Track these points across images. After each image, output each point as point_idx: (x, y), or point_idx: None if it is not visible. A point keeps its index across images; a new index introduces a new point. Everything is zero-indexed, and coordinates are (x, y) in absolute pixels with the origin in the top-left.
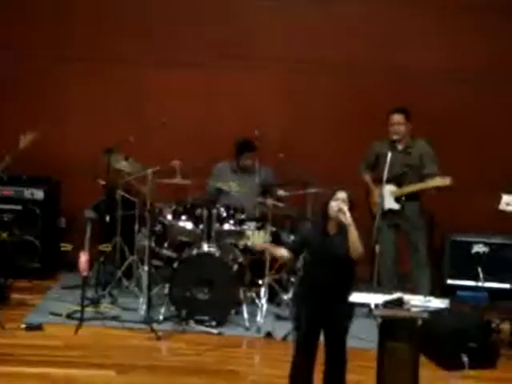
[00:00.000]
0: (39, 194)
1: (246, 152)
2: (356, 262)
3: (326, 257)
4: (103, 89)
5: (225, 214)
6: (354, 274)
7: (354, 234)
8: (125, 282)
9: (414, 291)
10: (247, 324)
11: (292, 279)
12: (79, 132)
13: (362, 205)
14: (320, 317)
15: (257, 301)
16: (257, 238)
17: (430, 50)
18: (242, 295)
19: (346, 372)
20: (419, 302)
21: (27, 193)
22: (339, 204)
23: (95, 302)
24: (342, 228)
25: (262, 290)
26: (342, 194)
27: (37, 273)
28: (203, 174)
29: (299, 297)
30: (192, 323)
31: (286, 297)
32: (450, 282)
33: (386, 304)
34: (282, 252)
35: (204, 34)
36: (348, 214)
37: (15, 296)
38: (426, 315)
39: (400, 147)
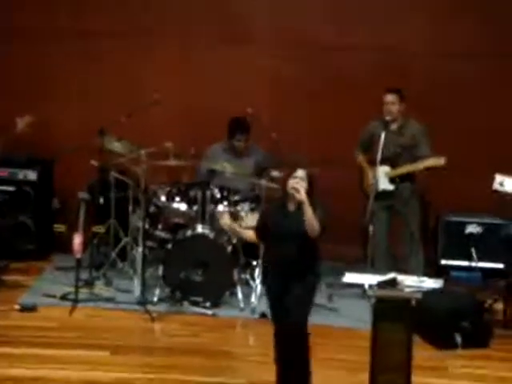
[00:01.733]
0: (33, 175)
1: (239, 133)
2: (316, 240)
3: (284, 233)
4: (95, 69)
5: (219, 196)
6: (314, 252)
7: (308, 212)
8: (119, 264)
9: (407, 272)
10: (242, 305)
11: None
12: (72, 113)
13: (354, 186)
14: (281, 292)
15: (251, 282)
16: (250, 219)
17: (417, 30)
18: (236, 276)
19: (307, 353)
20: (413, 283)
21: (21, 174)
22: (295, 182)
23: (89, 284)
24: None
25: (257, 271)
26: (300, 173)
27: (31, 254)
28: (196, 156)
29: (263, 273)
30: (186, 304)
31: None
32: (443, 262)
33: (380, 284)
34: (249, 233)
35: (195, 13)
36: (302, 192)
37: (9, 277)
38: (419, 295)
39: (393, 127)
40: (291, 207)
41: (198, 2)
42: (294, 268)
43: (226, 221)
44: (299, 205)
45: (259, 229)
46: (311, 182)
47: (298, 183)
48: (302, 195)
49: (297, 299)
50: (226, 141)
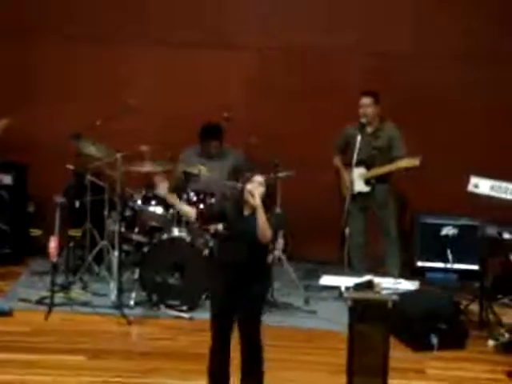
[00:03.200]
0: (7, 179)
1: (210, 139)
2: (267, 247)
3: (237, 236)
4: (70, 72)
5: (195, 199)
6: (264, 259)
7: (261, 218)
8: (95, 268)
9: (384, 273)
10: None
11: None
12: (47, 116)
13: (331, 188)
14: (230, 296)
15: None
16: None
17: (402, 33)
18: None
19: (260, 360)
20: (389, 285)
21: None
22: (253, 186)
23: (65, 288)
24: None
25: None
26: (258, 178)
27: (6, 258)
28: (172, 159)
29: (212, 274)
30: (163, 308)
31: None
32: (419, 264)
33: (357, 287)
34: (186, 209)
35: (173, 15)
36: (257, 197)
37: None
38: (396, 297)
39: (369, 130)
40: (246, 211)
41: (176, 7)
42: (243, 273)
43: (163, 190)
44: (254, 210)
45: (213, 215)
46: (269, 188)
47: (255, 188)
48: (257, 200)
49: (244, 306)
50: (199, 145)
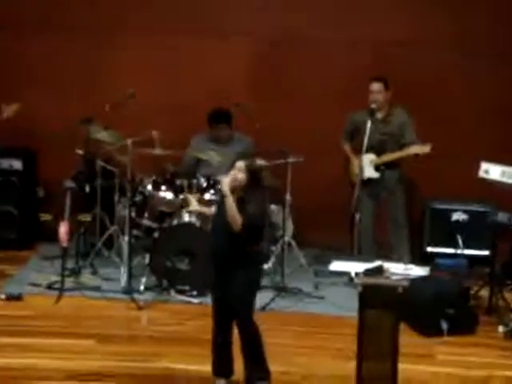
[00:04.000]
0: (17, 164)
1: (219, 123)
2: (247, 232)
3: (217, 223)
4: (77, 59)
5: (205, 184)
6: (244, 246)
7: (228, 206)
8: (105, 253)
9: (393, 259)
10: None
11: (273, 248)
12: (56, 101)
13: (340, 174)
14: (218, 284)
15: None
16: None
17: (403, 20)
18: None
19: (256, 344)
20: (399, 270)
21: (5, 163)
22: (231, 174)
23: (75, 273)
24: (243, 198)
25: None
26: (238, 164)
27: (16, 243)
28: (181, 145)
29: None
30: (173, 293)
31: (266, 266)
32: (429, 249)
33: (367, 272)
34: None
35: (176, 4)
36: (225, 185)
37: None
38: (406, 283)
39: (379, 116)
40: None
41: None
42: (225, 260)
43: (195, 206)
44: (238, 198)
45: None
46: (255, 174)
47: (229, 176)
48: (224, 188)
49: (231, 293)
50: (209, 131)
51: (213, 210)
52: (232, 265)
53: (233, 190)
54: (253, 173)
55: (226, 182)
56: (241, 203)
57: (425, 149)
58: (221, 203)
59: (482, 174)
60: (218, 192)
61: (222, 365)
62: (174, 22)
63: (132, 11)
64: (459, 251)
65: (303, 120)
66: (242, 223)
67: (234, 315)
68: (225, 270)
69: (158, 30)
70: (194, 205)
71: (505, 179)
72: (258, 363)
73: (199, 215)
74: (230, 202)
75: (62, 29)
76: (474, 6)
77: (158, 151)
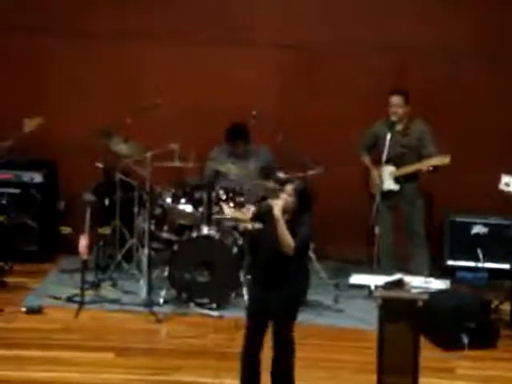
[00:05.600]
0: (38, 178)
1: (236, 140)
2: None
3: (268, 241)
4: (97, 70)
5: (224, 197)
6: (294, 266)
7: (279, 230)
8: (125, 265)
9: (412, 272)
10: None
11: None
12: (76, 114)
13: (360, 185)
14: (260, 298)
15: None
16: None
17: (425, 28)
18: (241, 278)
19: (289, 362)
20: (419, 283)
21: (26, 176)
22: (282, 197)
23: (95, 286)
24: (291, 219)
25: None
26: (288, 187)
27: (36, 256)
28: (202, 157)
29: (251, 277)
30: (192, 306)
31: None
32: (449, 262)
33: (387, 285)
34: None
35: (201, 9)
36: (277, 209)
37: (14, 279)
38: (426, 296)
39: (399, 128)
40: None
41: (200, 1)
42: (272, 279)
43: (230, 212)
44: (287, 221)
45: (256, 218)
46: (304, 196)
47: (281, 199)
48: (277, 212)
49: (275, 306)
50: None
51: (249, 213)
52: (279, 280)
53: (283, 213)
54: (301, 195)
55: (278, 206)
56: (290, 225)
57: (444, 160)
58: (268, 223)
59: (502, 186)
60: (265, 211)
61: (249, 381)
62: (199, 31)
63: (156, 21)
64: (480, 264)
65: (325, 128)
66: (295, 246)
67: (274, 327)
68: (271, 285)
69: (181, 39)
70: (228, 212)
71: None
72: (288, 376)
73: (231, 222)
74: (282, 226)
75: (82, 40)
76: (499, 12)
77: (177, 164)
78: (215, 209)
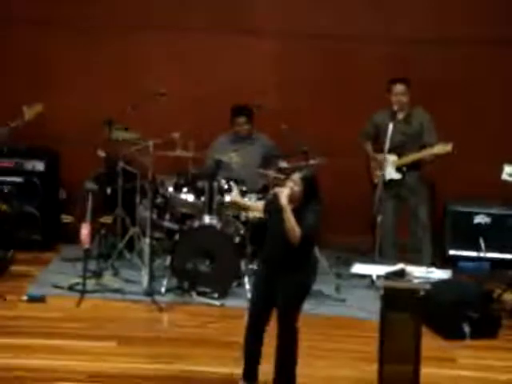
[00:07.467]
0: (40, 166)
1: (240, 116)
2: (307, 241)
3: (275, 231)
4: (98, 59)
5: (226, 186)
6: (301, 254)
7: (287, 219)
8: (127, 254)
9: (415, 261)
10: (249, 295)
11: None
12: (77, 102)
13: (362, 175)
14: (268, 289)
15: None
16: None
17: (424, 18)
18: (243, 267)
19: (292, 350)
20: (421, 273)
21: (28, 164)
22: (287, 185)
23: (97, 274)
24: (298, 208)
25: None
26: (294, 176)
27: (37, 245)
28: (203, 146)
29: (257, 264)
30: (194, 295)
31: None
32: (451, 252)
33: (389, 275)
34: (257, 206)
35: (198, 1)
36: (283, 198)
37: (16, 268)
38: (428, 286)
39: (400, 116)
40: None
41: None
42: (279, 265)
43: (236, 197)
44: (293, 209)
45: (264, 209)
46: (311, 185)
47: (285, 188)
48: (283, 201)
49: (280, 292)
50: (230, 131)
51: (255, 203)
52: (285, 270)
53: (289, 202)
54: (308, 183)
55: (283, 195)
56: (296, 214)
57: (446, 148)
58: (275, 212)
59: (504, 176)
60: (271, 201)
61: (249, 368)
62: (199, 22)
63: (156, 10)
64: (482, 254)
65: (328, 117)
66: (301, 235)
67: (279, 314)
68: (276, 274)
69: (182, 29)
70: (234, 195)
71: None
72: (287, 371)
73: (233, 208)
74: (289, 215)
75: (83, 29)
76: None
77: (178, 153)
78: (219, 196)
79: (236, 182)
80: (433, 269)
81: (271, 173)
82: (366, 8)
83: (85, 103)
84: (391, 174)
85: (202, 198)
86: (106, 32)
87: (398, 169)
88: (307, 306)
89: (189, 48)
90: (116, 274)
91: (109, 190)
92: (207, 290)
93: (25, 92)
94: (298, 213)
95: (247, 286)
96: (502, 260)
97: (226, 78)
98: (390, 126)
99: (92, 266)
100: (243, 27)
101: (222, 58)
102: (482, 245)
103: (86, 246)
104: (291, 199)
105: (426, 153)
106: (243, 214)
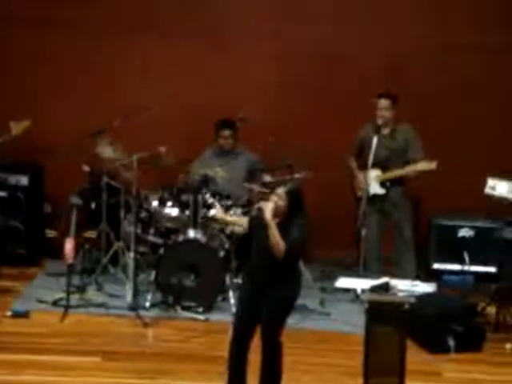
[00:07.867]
0: (24, 180)
1: (224, 129)
2: (293, 256)
3: (259, 245)
4: (84, 72)
5: (211, 200)
6: (289, 265)
7: (270, 233)
8: (111, 269)
9: (399, 275)
10: (234, 310)
11: None
12: (63, 117)
13: (346, 189)
14: (249, 299)
15: None
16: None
17: (415, 31)
18: (228, 281)
19: (276, 365)
20: (406, 287)
21: (11, 179)
22: (271, 200)
23: (81, 289)
24: (283, 222)
25: None
26: (279, 190)
27: (22, 259)
28: (188, 160)
29: (242, 278)
30: (179, 309)
31: None
32: (435, 266)
33: (373, 289)
34: (242, 221)
35: (189, 14)
36: (267, 213)
37: (1, 283)
38: (412, 300)
39: (385, 132)
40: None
41: (192, 3)
42: (262, 280)
43: (219, 213)
44: (278, 223)
45: (250, 225)
46: (296, 199)
47: (269, 202)
48: (267, 215)
49: (264, 307)
50: (215, 145)
51: (239, 218)
52: (270, 284)
53: (273, 216)
54: (293, 197)
55: (268, 209)
56: (281, 228)
57: (430, 166)
58: (260, 227)
59: (488, 190)
60: (255, 216)
61: (233, 383)
62: (187, 35)
63: (143, 19)
64: (466, 268)
65: (314, 132)
66: (286, 249)
67: (262, 329)
68: (261, 288)
69: (169, 41)
70: (219, 212)
71: (511, 196)
72: (276, 380)
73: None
74: (273, 230)
75: (68, 40)
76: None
77: (163, 166)
78: (203, 211)
79: (221, 196)
80: (417, 282)
81: (256, 187)
82: (360, 21)
83: (70, 117)
84: (375, 188)
85: (187, 212)
86: (91, 43)
87: (382, 184)
88: (292, 321)
89: (177, 61)
90: (100, 288)
91: (93, 205)
92: (192, 304)
93: (9, 106)
94: (282, 227)
95: (232, 301)
96: (486, 273)
97: (214, 91)
98: (375, 140)
99: (76, 280)
100: (231, 41)
101: (212, 72)
102: (466, 258)
103: (70, 260)
104: (276, 213)
105: (409, 169)
106: (228, 228)
